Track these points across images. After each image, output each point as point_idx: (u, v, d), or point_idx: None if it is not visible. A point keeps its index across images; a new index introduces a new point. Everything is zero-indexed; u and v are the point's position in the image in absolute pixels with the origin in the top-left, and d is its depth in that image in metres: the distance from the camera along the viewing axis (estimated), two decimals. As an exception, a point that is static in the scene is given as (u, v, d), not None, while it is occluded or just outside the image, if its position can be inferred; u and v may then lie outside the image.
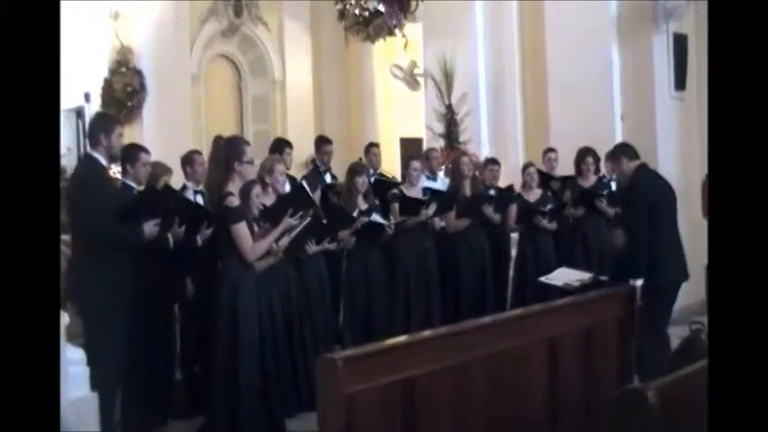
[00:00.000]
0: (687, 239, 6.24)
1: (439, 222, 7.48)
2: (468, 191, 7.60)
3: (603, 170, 8.34)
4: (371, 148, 8.58)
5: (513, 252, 8.11)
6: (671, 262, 5.83)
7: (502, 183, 8.08)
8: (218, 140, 5.05)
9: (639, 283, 5.43)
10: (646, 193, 5.80)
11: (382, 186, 7.56)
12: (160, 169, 6.11)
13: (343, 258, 6.90)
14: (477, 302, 7.44)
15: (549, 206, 7.77)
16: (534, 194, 7.80)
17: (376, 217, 6.73)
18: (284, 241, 5.43)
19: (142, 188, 5.55)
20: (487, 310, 7.11)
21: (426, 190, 7.34)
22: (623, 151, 6.06)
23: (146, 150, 5.74)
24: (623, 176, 6.03)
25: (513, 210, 7.72)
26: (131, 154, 5.59)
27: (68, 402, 4.41)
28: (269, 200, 5.88)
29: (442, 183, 8.23)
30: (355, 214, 6.65)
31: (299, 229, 5.48)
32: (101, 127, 5.23)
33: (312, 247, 5.89)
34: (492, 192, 7.85)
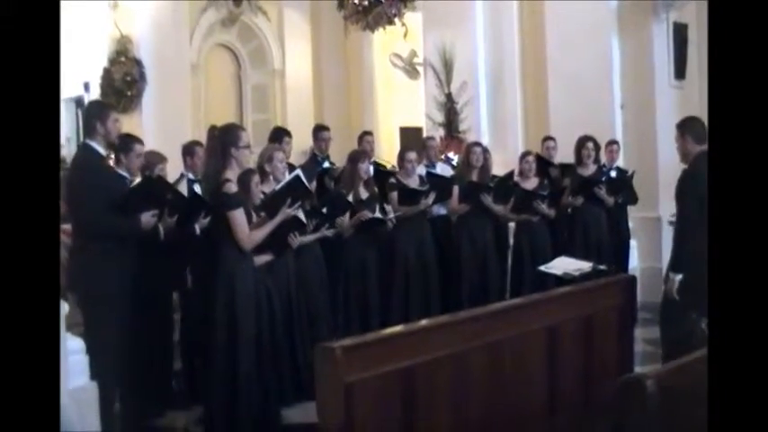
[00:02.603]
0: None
1: (437, 210, 7.46)
2: (475, 179, 7.56)
3: (604, 158, 8.38)
4: (365, 136, 8.60)
5: (511, 241, 8.10)
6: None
7: (501, 171, 8.06)
8: (212, 130, 5.03)
9: (679, 277, 5.15)
10: (700, 186, 4.94)
11: (380, 175, 7.56)
12: (155, 158, 6.10)
13: (341, 247, 6.87)
14: (478, 291, 7.42)
15: (547, 192, 7.74)
16: (531, 182, 7.78)
17: (378, 213, 6.71)
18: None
19: (137, 179, 5.53)
20: (489, 299, 7.08)
21: (426, 176, 7.31)
22: (691, 129, 5.36)
23: (140, 141, 5.72)
24: (684, 157, 5.37)
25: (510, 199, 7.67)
26: (125, 144, 5.57)
27: (68, 391, 4.43)
28: (270, 189, 5.86)
29: (441, 171, 8.21)
30: (352, 201, 6.62)
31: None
32: (95, 114, 5.20)
33: (296, 241, 5.83)
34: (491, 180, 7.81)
